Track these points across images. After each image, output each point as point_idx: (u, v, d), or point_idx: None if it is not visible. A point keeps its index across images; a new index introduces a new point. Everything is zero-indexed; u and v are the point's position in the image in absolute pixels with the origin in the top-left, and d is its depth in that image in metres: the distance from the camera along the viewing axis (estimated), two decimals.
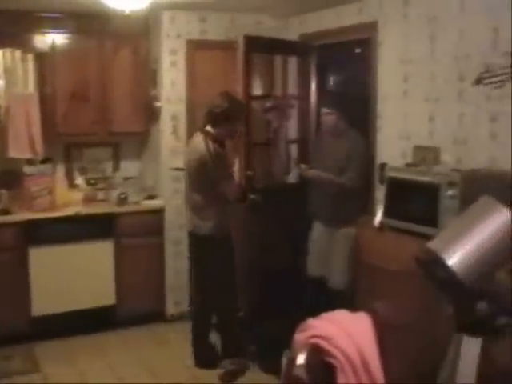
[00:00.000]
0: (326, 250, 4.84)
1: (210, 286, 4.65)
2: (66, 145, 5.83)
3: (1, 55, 5.45)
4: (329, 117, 4.78)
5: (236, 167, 5.12)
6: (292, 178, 5.21)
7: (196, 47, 5.57)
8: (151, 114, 5.73)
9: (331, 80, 5.83)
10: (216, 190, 4.47)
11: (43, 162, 5.45)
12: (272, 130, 5.50)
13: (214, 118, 4.50)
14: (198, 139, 4.52)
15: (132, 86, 5.65)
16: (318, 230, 4.94)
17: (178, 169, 5.30)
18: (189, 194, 4.67)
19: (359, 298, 4.36)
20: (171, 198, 5.64)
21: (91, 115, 5.56)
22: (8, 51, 5.45)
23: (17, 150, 5.35)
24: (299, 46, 5.64)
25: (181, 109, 5.62)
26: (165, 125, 5.62)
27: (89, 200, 5.68)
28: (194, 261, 4.84)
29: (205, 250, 4.60)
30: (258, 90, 5.63)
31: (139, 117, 5.63)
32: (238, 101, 4.67)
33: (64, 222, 5.24)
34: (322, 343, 2.73)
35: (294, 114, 5.72)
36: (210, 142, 4.43)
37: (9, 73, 5.49)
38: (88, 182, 5.79)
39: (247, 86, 5.06)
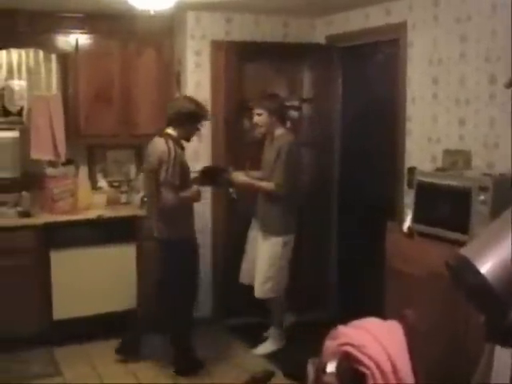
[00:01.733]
0: (255, 256, 5.05)
1: (171, 292, 4.67)
2: (88, 147, 5.83)
3: (24, 55, 5.50)
4: (258, 117, 4.90)
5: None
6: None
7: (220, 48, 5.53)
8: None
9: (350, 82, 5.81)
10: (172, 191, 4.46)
11: (65, 163, 5.47)
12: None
13: (178, 118, 4.57)
14: (159, 141, 4.58)
15: (156, 88, 5.63)
16: (255, 228, 5.11)
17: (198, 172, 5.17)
18: (149, 196, 4.72)
19: (387, 303, 4.33)
20: (196, 203, 5.26)
21: (114, 117, 5.54)
22: (31, 51, 5.50)
23: (39, 152, 5.36)
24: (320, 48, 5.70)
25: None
26: None
27: (111, 203, 5.67)
28: (158, 266, 4.78)
29: (165, 255, 4.62)
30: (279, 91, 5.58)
31: (163, 119, 5.33)
32: (202, 104, 4.75)
33: (86, 225, 5.23)
34: (353, 351, 2.74)
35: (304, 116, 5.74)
36: (171, 142, 4.50)
37: (32, 73, 5.55)
38: (111, 185, 5.80)
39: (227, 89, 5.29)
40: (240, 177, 4.93)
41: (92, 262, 5.24)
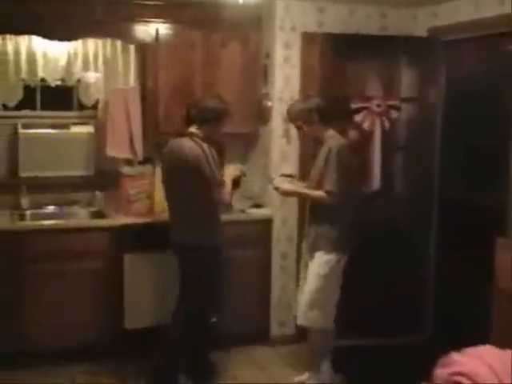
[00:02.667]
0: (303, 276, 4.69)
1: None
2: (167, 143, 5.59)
3: (101, 46, 5.38)
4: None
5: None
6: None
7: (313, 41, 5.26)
8: (261, 114, 5.50)
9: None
10: (208, 195, 4.39)
11: (142, 162, 5.32)
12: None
13: (205, 118, 4.45)
14: (185, 141, 4.41)
15: (240, 83, 5.43)
16: (305, 251, 4.76)
17: (287, 175, 5.00)
18: (176, 200, 4.54)
19: (495, 330, 4.02)
20: (280, 207, 5.40)
21: None
22: (108, 42, 5.38)
23: (115, 149, 5.24)
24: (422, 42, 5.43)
25: None
26: (276, 126, 5.38)
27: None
28: (183, 275, 4.63)
29: (195, 263, 4.47)
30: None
31: (247, 117, 5.39)
32: (226, 103, 4.60)
33: (163, 229, 4.89)
34: (466, 382, 2.50)
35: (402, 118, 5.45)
36: (203, 144, 4.35)
37: (109, 65, 5.42)
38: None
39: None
40: (285, 184, 4.63)
41: (168, 267, 5.00)
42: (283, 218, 5.42)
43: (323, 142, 4.50)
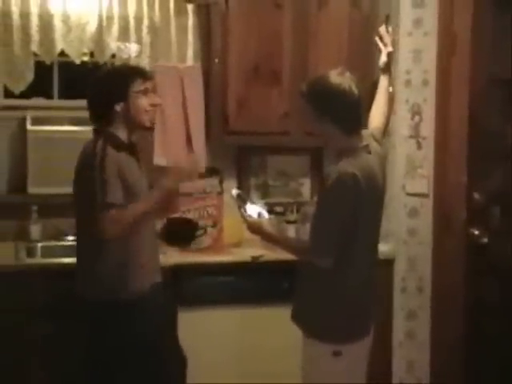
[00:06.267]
0: None
1: None
2: (240, 149, 5.36)
3: (145, 7, 4.97)
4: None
5: None
6: None
7: None
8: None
9: None
10: None
11: (205, 174, 4.94)
12: None
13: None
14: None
15: (347, 59, 4.92)
16: None
17: (419, 194, 4.87)
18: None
19: None
20: (406, 241, 4.97)
21: (282, 104, 4.97)
22: (157, 0, 4.95)
23: (165, 156, 4.85)
24: None
25: (427, 97, 4.92)
26: (400, 123, 4.96)
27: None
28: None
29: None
30: None
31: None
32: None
33: (233, 272, 4.74)
34: None
35: None
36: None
37: (157, 34, 5.03)
38: (272, 209, 5.10)
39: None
40: (266, 226, 3.84)
41: (240, 327, 4.78)
42: (409, 257, 5.02)
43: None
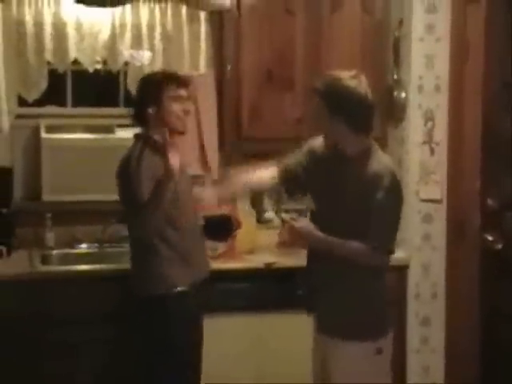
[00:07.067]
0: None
1: None
2: (254, 155, 4.97)
3: (158, 14, 4.97)
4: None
5: None
6: None
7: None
8: (390, 111, 5.15)
9: None
10: None
11: (218, 181, 4.81)
12: None
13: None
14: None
15: (359, 65, 4.73)
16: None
17: (432, 200, 4.88)
18: None
19: None
20: (420, 247, 4.96)
21: (296, 109, 4.98)
22: (169, 7, 4.98)
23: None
24: None
25: (440, 103, 4.93)
26: (413, 129, 4.99)
27: (286, 244, 5.05)
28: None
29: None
30: None
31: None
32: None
33: (247, 278, 4.75)
34: None
35: None
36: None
37: (170, 41, 5.02)
38: (285, 217, 4.96)
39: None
40: (312, 229, 3.69)
41: (254, 335, 4.75)
42: (423, 263, 5.01)
43: (352, 159, 3.68)
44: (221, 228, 4.40)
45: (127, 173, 3.82)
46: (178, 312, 3.92)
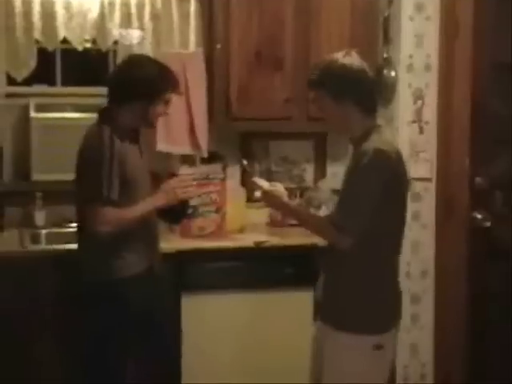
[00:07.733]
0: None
1: None
2: (242, 135, 5.34)
3: None
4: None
5: None
6: None
7: None
8: (379, 90, 4.86)
9: None
10: None
11: (208, 160, 5.01)
12: None
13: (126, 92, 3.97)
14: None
15: (349, 43, 4.78)
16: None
17: (422, 179, 4.85)
18: None
19: None
20: (409, 225, 4.57)
21: (285, 89, 4.97)
22: None
23: (169, 142, 4.92)
24: None
25: (429, 81, 4.94)
26: (403, 107, 4.98)
27: (276, 224, 5.17)
28: None
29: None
30: None
31: None
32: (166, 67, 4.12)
33: (237, 257, 4.72)
34: None
35: None
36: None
37: (159, 20, 5.04)
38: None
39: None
40: (282, 194, 3.71)
41: (244, 314, 4.75)
42: (414, 241, 5.01)
43: (358, 143, 3.56)
44: (175, 210, 4.32)
45: (96, 162, 3.70)
46: (130, 298, 3.84)
